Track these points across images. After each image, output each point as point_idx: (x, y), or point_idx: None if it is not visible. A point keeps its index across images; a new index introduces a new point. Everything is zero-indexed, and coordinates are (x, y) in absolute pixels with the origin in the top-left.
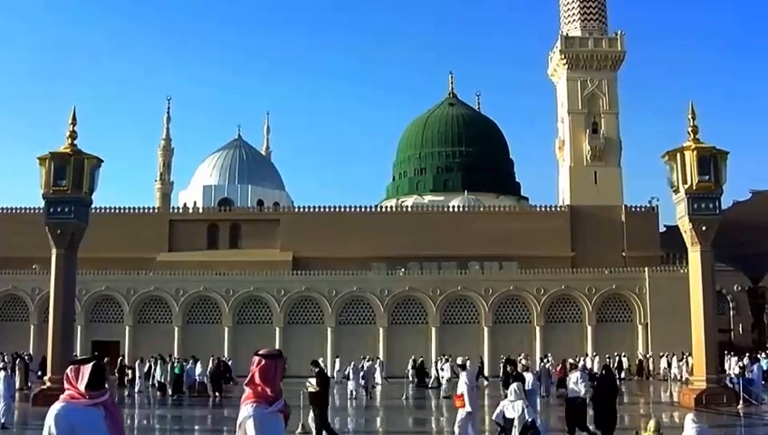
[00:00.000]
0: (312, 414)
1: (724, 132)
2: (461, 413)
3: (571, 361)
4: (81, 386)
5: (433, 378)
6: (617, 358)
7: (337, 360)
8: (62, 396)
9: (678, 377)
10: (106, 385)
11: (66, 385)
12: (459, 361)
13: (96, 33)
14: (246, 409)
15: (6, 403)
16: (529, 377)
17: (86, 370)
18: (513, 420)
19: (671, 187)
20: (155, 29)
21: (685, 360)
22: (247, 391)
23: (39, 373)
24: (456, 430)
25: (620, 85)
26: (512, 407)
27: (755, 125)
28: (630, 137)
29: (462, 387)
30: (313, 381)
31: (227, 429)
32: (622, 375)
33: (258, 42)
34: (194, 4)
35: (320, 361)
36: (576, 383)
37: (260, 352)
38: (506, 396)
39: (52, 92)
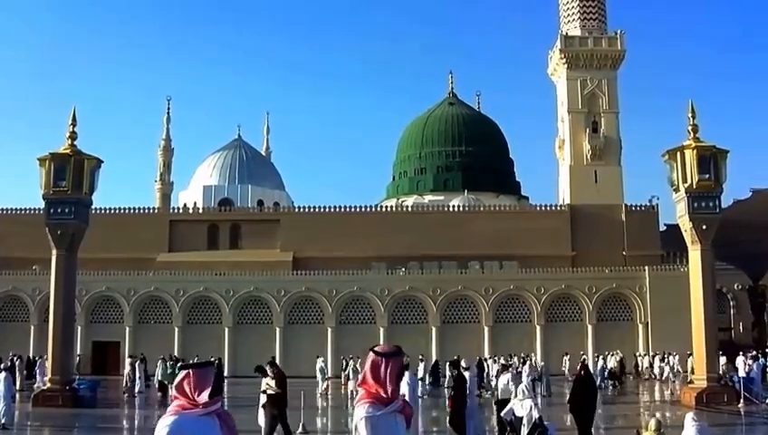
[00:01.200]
0: (261, 414)
1: (725, 131)
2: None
3: (502, 361)
4: (204, 395)
5: (448, 377)
6: (612, 357)
7: (344, 360)
8: (170, 407)
9: (658, 376)
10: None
11: (175, 393)
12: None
13: (96, 33)
14: (359, 410)
15: (6, 404)
16: (468, 376)
17: (205, 376)
18: (522, 418)
19: (671, 186)
20: (155, 29)
21: (667, 359)
22: (360, 391)
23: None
24: None
25: (620, 84)
26: (520, 405)
27: (755, 124)
28: (630, 136)
29: (404, 387)
30: (272, 382)
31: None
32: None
33: (258, 42)
34: (194, 5)
35: (319, 360)
36: (507, 384)
37: (374, 349)
38: (451, 396)
39: (52, 93)
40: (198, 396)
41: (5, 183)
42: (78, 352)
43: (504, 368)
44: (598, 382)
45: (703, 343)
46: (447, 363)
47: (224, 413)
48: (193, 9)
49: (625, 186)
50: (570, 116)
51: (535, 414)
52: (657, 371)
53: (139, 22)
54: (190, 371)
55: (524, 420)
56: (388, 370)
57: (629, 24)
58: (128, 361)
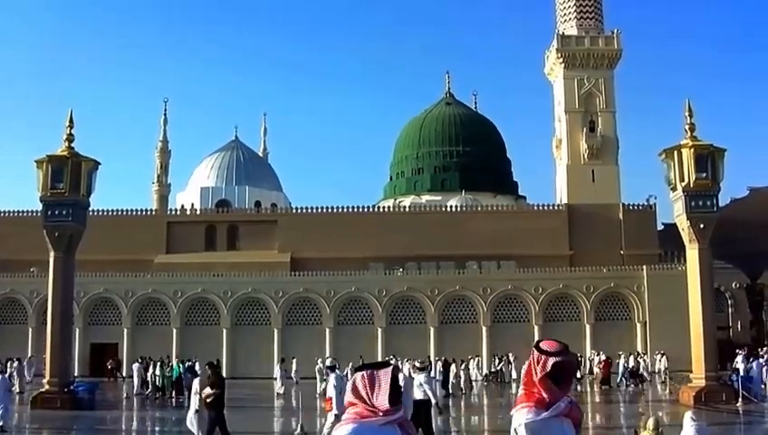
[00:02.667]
0: (192, 416)
1: (722, 130)
2: (329, 417)
3: (417, 363)
4: (382, 400)
5: (463, 378)
6: (632, 356)
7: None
8: (346, 414)
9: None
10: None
11: (353, 398)
12: (328, 362)
13: (93, 34)
14: (518, 415)
15: (4, 406)
16: (421, 376)
17: (384, 378)
18: None
19: (669, 185)
20: (152, 30)
21: (642, 358)
22: (520, 392)
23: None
24: (325, 433)
25: (617, 83)
26: None
27: (753, 123)
28: (627, 135)
29: (331, 390)
30: (208, 389)
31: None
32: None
33: (255, 43)
34: (191, 5)
35: (318, 361)
36: (420, 386)
37: (539, 346)
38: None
39: (50, 94)
40: (377, 401)
41: (3, 185)
42: (76, 354)
43: (418, 369)
44: (618, 380)
45: (701, 341)
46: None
47: (406, 423)
48: (190, 10)
49: (622, 185)
50: (567, 116)
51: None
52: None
53: (136, 23)
54: (365, 372)
55: None
56: (562, 369)
57: (626, 24)
58: (135, 366)
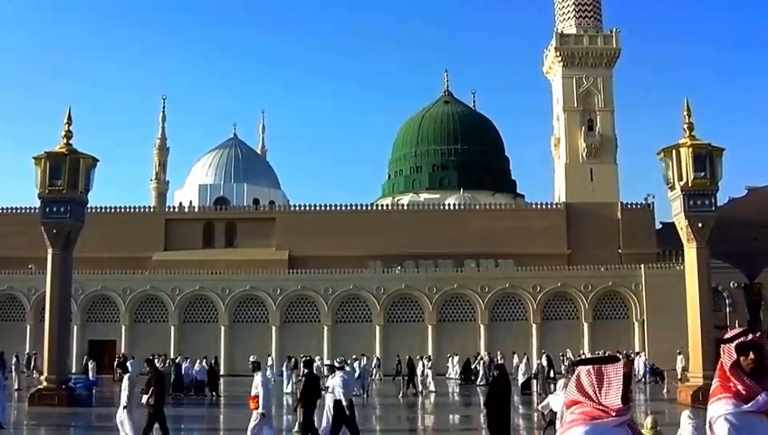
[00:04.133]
0: (120, 413)
1: (721, 129)
2: (254, 416)
3: (336, 362)
4: (613, 399)
5: (481, 375)
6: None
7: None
8: (571, 414)
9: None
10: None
11: (578, 396)
12: (252, 358)
13: (91, 33)
14: (717, 407)
15: (1, 403)
16: (339, 374)
17: (615, 374)
18: (557, 412)
19: (667, 184)
20: (150, 28)
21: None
22: (714, 383)
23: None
24: (249, 433)
25: (616, 82)
26: (557, 401)
27: (751, 121)
28: (626, 134)
29: (257, 388)
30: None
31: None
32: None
33: (253, 40)
34: (189, 3)
35: (317, 359)
36: (340, 386)
37: (721, 338)
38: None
39: (48, 92)
40: (607, 400)
41: (1, 182)
42: (74, 351)
43: (332, 369)
44: (639, 378)
45: (699, 340)
46: (302, 362)
47: (633, 423)
48: (189, 8)
49: (621, 184)
50: (565, 114)
51: (557, 407)
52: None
53: (134, 21)
54: (591, 367)
55: (559, 414)
56: (754, 360)
57: (625, 22)
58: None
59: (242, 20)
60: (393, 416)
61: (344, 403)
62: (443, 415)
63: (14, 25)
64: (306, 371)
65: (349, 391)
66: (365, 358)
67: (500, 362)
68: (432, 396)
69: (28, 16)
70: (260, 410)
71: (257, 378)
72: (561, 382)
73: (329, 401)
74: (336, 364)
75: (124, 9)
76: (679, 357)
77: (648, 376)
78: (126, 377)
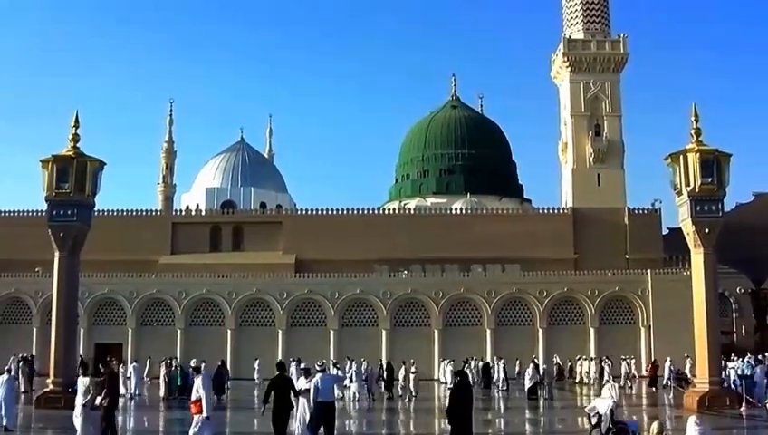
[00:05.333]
0: (77, 414)
1: (728, 135)
2: (197, 420)
3: (317, 366)
4: None
5: (501, 380)
6: (605, 365)
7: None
8: None
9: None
10: None
11: None
12: (193, 363)
13: (99, 35)
14: None
15: (8, 406)
16: (319, 376)
17: None
18: (602, 416)
19: (674, 189)
20: (158, 32)
21: (598, 364)
22: None
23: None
24: None
25: (623, 87)
26: (603, 405)
27: (758, 127)
28: (633, 139)
29: (198, 392)
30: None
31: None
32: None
33: (261, 44)
34: (197, 7)
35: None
36: (307, 390)
37: None
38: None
39: (55, 95)
40: None
41: (8, 186)
42: (80, 354)
43: (306, 373)
44: (664, 382)
45: (705, 346)
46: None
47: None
48: (196, 11)
49: (628, 189)
50: (572, 119)
51: (617, 416)
52: (593, 374)
53: (142, 24)
54: None
55: (604, 418)
56: None
57: (632, 28)
58: (162, 371)
59: (250, 24)
60: (341, 421)
61: (326, 403)
62: (403, 420)
63: (22, 27)
64: (278, 373)
65: (327, 392)
66: (364, 362)
67: (481, 365)
68: (411, 401)
69: (37, 18)
70: (204, 415)
71: (197, 381)
72: (606, 387)
73: (303, 403)
74: (317, 367)
75: (133, 12)
76: (688, 362)
77: (671, 381)
78: (80, 380)
